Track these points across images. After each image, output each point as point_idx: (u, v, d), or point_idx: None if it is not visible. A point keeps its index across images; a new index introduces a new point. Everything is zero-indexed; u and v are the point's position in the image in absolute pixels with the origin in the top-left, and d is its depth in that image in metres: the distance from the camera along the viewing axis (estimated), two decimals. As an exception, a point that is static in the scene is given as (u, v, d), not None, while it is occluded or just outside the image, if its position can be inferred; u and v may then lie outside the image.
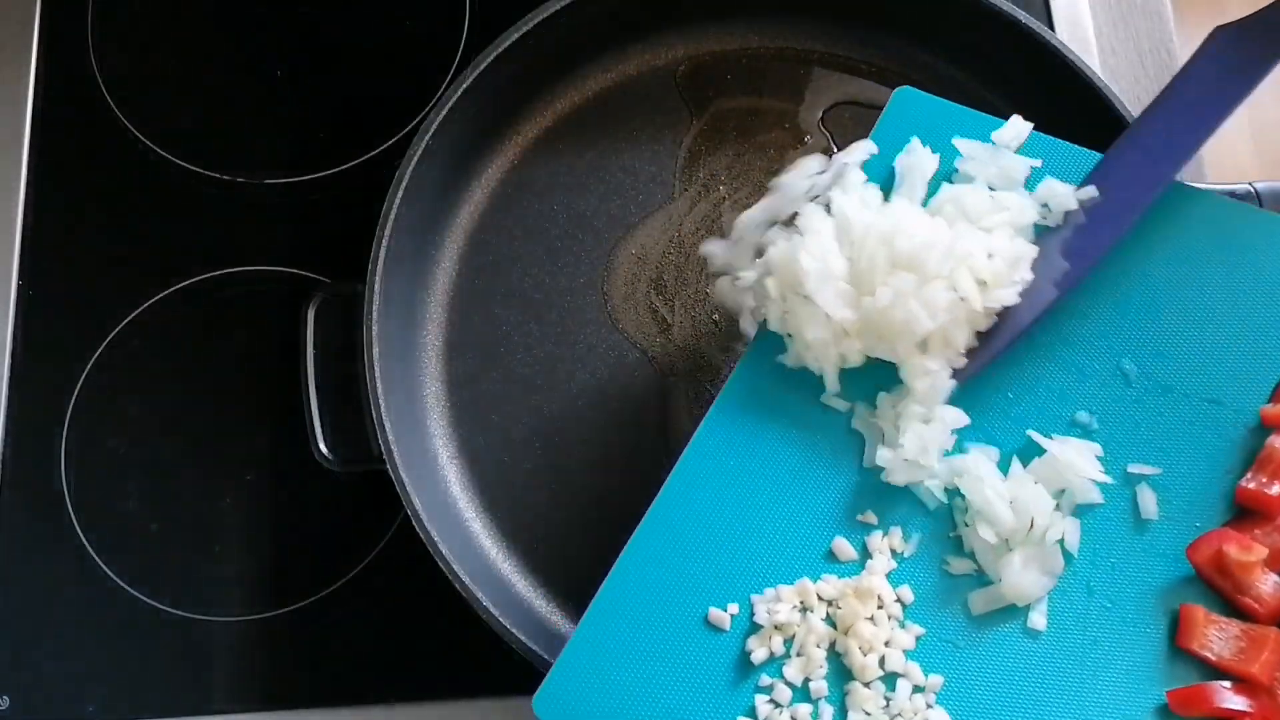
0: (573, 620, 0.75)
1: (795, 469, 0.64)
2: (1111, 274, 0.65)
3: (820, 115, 0.85)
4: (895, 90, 0.71)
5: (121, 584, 0.80)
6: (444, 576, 0.70)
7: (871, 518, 0.63)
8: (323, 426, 0.76)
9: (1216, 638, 0.58)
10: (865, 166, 0.67)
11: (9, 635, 0.80)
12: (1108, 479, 0.61)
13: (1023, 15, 0.77)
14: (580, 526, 0.77)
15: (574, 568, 0.76)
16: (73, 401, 0.84)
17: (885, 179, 0.68)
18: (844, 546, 0.62)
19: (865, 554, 0.62)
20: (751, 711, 0.59)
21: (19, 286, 0.87)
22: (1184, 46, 0.92)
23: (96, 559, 0.81)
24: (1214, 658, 0.57)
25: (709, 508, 0.63)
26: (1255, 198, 0.73)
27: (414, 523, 0.70)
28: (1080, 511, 0.62)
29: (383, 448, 0.72)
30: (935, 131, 0.68)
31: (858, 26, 0.85)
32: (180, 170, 0.89)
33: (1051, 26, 0.88)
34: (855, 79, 0.85)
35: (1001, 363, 0.64)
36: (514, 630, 0.69)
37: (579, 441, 0.78)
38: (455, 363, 0.81)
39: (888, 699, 0.59)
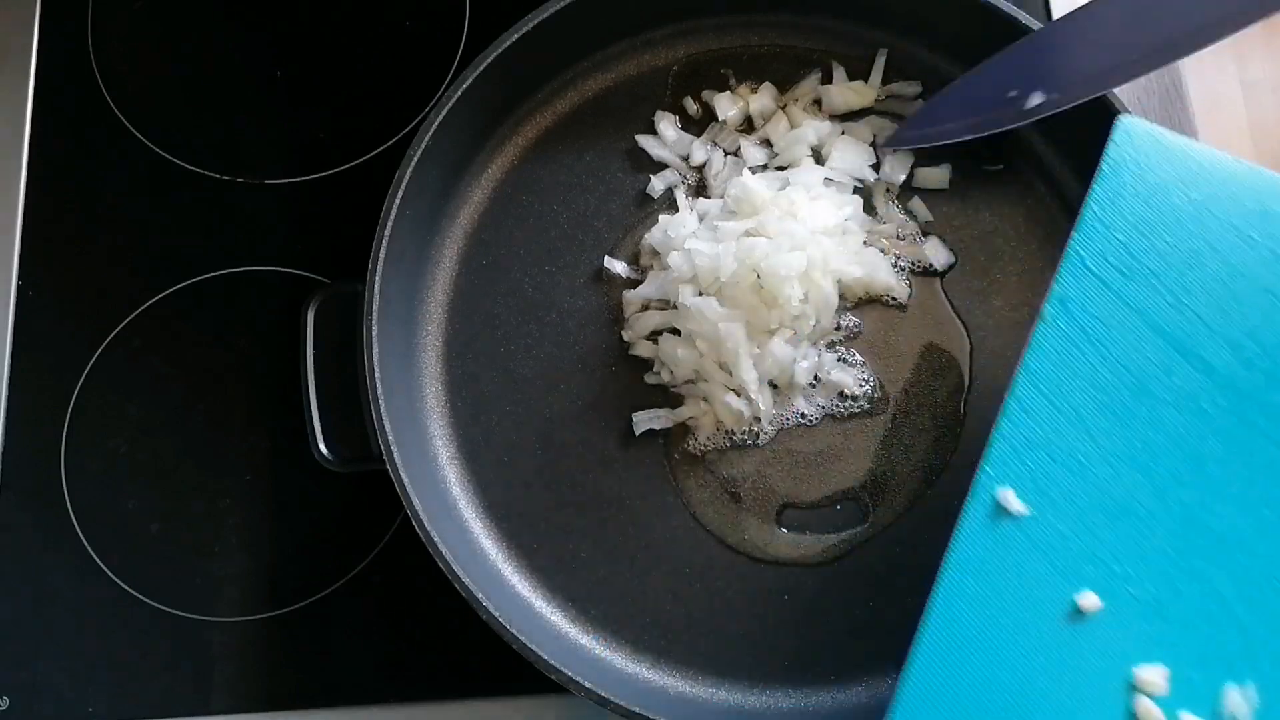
0: (573, 620, 0.75)
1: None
2: None
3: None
4: (1118, 119, 0.63)
5: (121, 584, 0.80)
6: (444, 576, 0.70)
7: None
8: (323, 426, 0.76)
9: None
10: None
11: (9, 635, 0.80)
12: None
13: (1022, 15, 0.77)
14: (580, 527, 0.77)
15: (574, 568, 0.76)
16: (73, 401, 0.84)
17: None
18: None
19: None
20: None
21: (19, 286, 0.87)
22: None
23: (96, 559, 0.81)
24: None
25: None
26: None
27: (414, 523, 0.70)
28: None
29: (383, 448, 0.72)
30: (1161, 172, 0.62)
31: (856, 24, 0.85)
32: (180, 170, 0.89)
33: (1051, 26, 0.88)
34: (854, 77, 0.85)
35: None
36: (514, 630, 0.69)
37: (579, 441, 0.78)
38: (455, 363, 0.81)
39: None
